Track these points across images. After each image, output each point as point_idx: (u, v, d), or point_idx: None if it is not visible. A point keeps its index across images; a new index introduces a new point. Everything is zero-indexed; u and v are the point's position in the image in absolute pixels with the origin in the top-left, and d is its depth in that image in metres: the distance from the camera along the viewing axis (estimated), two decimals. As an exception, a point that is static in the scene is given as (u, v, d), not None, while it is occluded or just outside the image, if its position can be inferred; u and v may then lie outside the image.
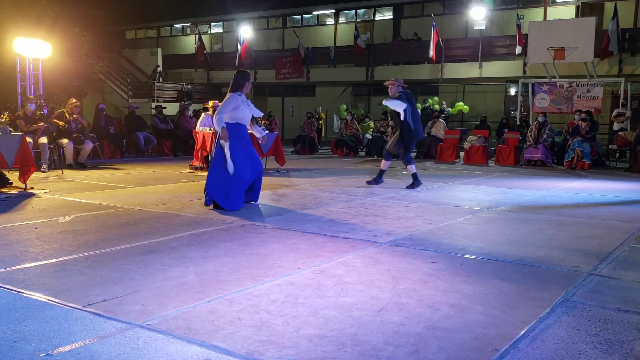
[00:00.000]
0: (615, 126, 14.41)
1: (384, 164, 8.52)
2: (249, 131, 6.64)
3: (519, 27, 17.58)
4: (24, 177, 7.47)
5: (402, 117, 8.04)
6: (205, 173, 10.07)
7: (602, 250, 4.51)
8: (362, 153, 15.97)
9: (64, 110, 11.19)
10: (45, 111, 10.61)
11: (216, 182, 6.19)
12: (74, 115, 11.05)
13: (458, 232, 5.16)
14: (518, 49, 17.60)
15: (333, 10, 24.77)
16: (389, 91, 8.29)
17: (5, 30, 13.46)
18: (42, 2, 16.19)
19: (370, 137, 16.28)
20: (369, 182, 8.60)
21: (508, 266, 3.97)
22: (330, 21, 25.34)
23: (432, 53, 19.30)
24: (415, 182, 8.26)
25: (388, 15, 23.92)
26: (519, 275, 3.75)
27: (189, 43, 28.83)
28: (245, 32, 23.82)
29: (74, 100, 11.43)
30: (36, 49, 11.32)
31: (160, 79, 23.40)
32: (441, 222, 5.65)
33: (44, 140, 9.92)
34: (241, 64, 23.40)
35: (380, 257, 4.17)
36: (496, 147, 14.20)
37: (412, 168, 8.30)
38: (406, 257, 4.18)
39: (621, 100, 15.03)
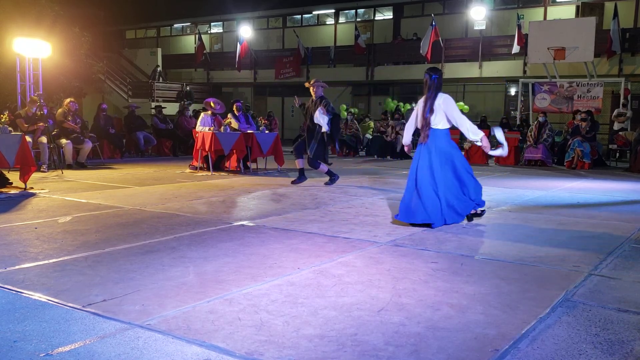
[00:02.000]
0: (616, 126, 14.41)
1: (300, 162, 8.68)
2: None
3: (519, 26, 17.58)
4: (24, 177, 7.47)
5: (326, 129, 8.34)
6: (205, 173, 10.10)
7: (602, 250, 4.51)
8: (362, 153, 15.98)
9: (64, 110, 11.14)
10: (45, 111, 10.61)
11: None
12: (69, 119, 11.00)
13: (458, 232, 5.15)
14: (516, 48, 17.55)
15: (333, 10, 24.76)
16: (313, 93, 8.32)
17: (5, 30, 13.46)
18: (42, 2, 16.19)
19: (370, 137, 16.28)
20: (294, 182, 8.63)
21: (508, 266, 3.97)
22: (330, 21, 25.34)
23: (426, 50, 19.16)
24: (301, 178, 8.62)
25: (388, 15, 23.91)
26: (519, 275, 3.74)
27: (189, 43, 28.82)
28: (245, 32, 23.82)
29: (68, 100, 11.39)
30: (36, 49, 11.32)
31: (160, 79, 23.40)
32: (441, 222, 5.63)
33: (43, 140, 9.92)
34: (240, 63, 23.41)
35: (380, 257, 4.17)
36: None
37: (324, 167, 8.54)
38: (406, 257, 4.18)
39: (622, 100, 15.04)
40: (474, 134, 5.57)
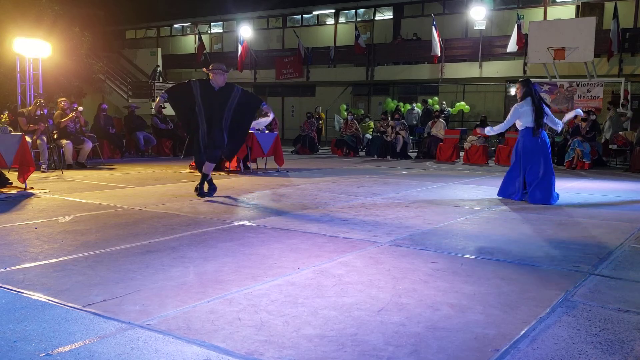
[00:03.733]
0: (616, 126, 14.41)
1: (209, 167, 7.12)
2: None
3: (519, 26, 17.58)
4: (23, 177, 7.47)
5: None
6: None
7: (602, 250, 4.51)
8: (362, 153, 15.98)
9: (60, 111, 11.11)
10: (45, 111, 10.62)
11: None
12: (72, 114, 10.99)
13: (458, 232, 5.16)
14: (512, 47, 17.50)
15: (333, 10, 24.77)
16: (217, 81, 7.01)
17: (5, 30, 13.47)
18: (42, 2, 16.19)
19: (370, 137, 16.28)
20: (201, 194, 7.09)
21: (508, 266, 3.97)
22: (330, 21, 25.35)
23: (437, 51, 19.24)
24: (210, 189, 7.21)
25: (388, 15, 23.92)
26: (519, 275, 3.74)
27: (189, 43, 28.83)
28: (245, 32, 23.84)
29: (61, 99, 11.38)
30: (36, 49, 11.32)
31: (160, 79, 23.39)
32: (441, 222, 5.64)
33: (43, 140, 9.92)
34: (242, 63, 23.41)
35: (380, 257, 4.17)
36: (496, 147, 14.19)
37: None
38: (406, 257, 4.18)
39: (621, 101, 15.03)
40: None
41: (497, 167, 12.80)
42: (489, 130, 7.40)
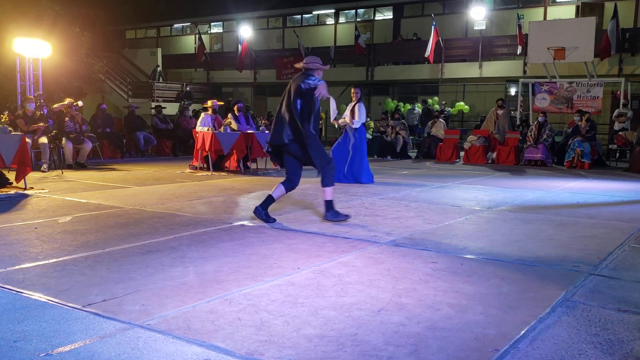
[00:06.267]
0: (617, 126, 14.40)
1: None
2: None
3: (519, 27, 17.58)
4: (20, 177, 7.45)
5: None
6: (205, 173, 10.10)
7: (602, 250, 4.50)
8: (362, 153, 15.95)
9: (62, 110, 11.12)
10: (45, 111, 10.61)
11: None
12: (65, 102, 10.99)
13: (458, 232, 5.16)
14: (520, 49, 17.58)
15: (333, 10, 24.76)
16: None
17: (5, 30, 13.47)
18: (42, 2, 16.19)
19: (370, 137, 16.27)
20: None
21: (508, 266, 3.97)
22: (330, 21, 25.34)
23: (429, 53, 19.23)
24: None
25: (388, 15, 23.92)
26: (519, 275, 3.74)
27: (189, 43, 28.82)
28: (245, 32, 23.83)
29: (69, 99, 11.41)
30: (36, 49, 11.32)
31: (160, 79, 23.39)
32: (441, 222, 5.64)
33: (44, 140, 9.91)
34: (242, 63, 23.40)
35: (380, 257, 4.17)
36: (496, 147, 14.19)
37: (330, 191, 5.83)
38: (406, 257, 4.18)
39: (622, 101, 15.03)
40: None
41: (497, 167, 12.80)
42: (356, 123, 8.69)
